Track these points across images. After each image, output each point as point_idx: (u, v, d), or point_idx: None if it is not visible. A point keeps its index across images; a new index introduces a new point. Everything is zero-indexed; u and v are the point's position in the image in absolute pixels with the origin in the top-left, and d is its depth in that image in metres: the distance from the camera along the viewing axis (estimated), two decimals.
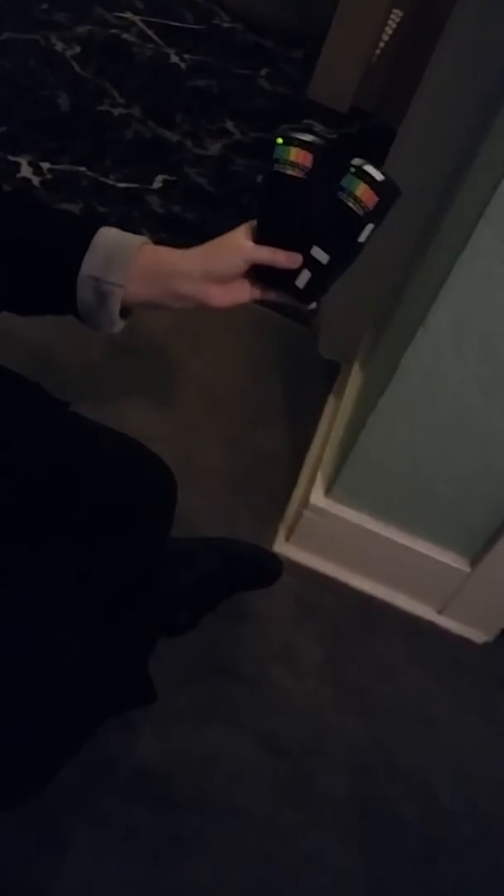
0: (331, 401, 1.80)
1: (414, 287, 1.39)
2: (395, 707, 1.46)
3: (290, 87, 2.64)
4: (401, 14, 2.50)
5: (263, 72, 2.67)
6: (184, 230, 2.10)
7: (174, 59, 2.61)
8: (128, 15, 2.71)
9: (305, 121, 2.54)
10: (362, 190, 0.82)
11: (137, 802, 1.26)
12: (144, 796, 1.27)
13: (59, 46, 2.51)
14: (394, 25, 2.52)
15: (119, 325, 0.87)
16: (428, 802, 1.38)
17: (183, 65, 2.60)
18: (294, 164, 0.82)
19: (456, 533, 1.46)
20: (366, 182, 0.82)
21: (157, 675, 1.29)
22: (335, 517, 1.49)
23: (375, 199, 0.82)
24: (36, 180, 2.11)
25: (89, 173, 2.17)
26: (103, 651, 0.95)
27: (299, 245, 0.86)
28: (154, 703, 1.31)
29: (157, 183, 2.21)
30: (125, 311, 0.87)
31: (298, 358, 1.91)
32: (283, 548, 1.58)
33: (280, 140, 0.83)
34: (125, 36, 2.63)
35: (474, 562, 1.48)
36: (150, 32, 2.67)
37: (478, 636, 1.59)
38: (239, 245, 0.86)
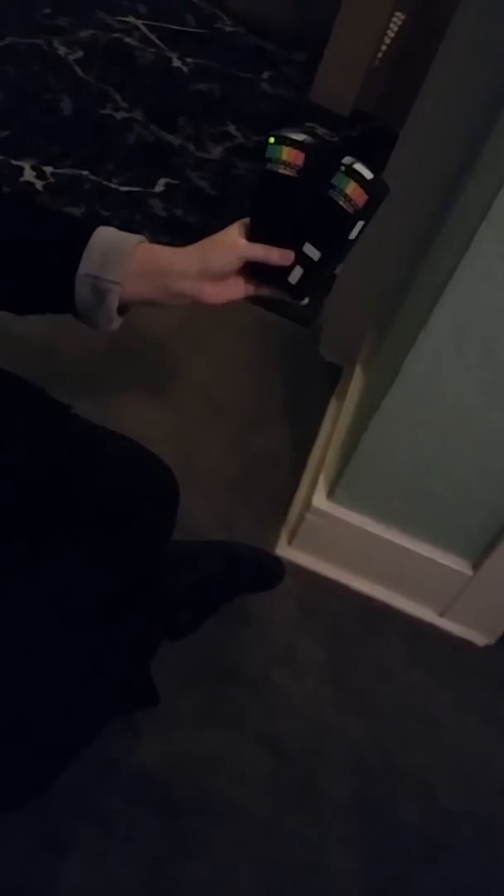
0: (332, 403, 1.80)
1: (416, 290, 1.39)
2: (396, 709, 1.46)
3: (293, 91, 2.65)
4: (403, 17, 2.50)
5: (265, 75, 2.68)
6: (186, 233, 2.10)
7: (176, 62, 2.62)
8: (130, 19, 2.72)
9: (308, 124, 2.54)
10: (352, 188, 0.83)
11: (139, 804, 1.26)
12: (146, 798, 1.27)
13: (62, 51, 2.52)
14: (396, 28, 2.52)
15: (116, 322, 0.88)
16: (428, 804, 1.38)
17: (185, 68, 2.61)
18: (286, 163, 0.84)
19: (458, 535, 1.46)
20: (356, 180, 0.83)
21: (158, 678, 1.29)
22: (337, 520, 1.49)
23: (365, 196, 0.83)
24: (39, 184, 2.11)
25: (92, 177, 2.17)
26: (105, 653, 0.95)
27: (291, 242, 0.87)
28: (156, 705, 1.31)
29: (159, 186, 2.21)
30: (122, 309, 0.88)
31: (300, 360, 1.92)
32: (285, 550, 1.58)
33: (272, 139, 0.84)
34: (128, 40, 2.64)
35: (476, 564, 1.48)
36: (152, 36, 2.68)
37: (479, 639, 1.58)
38: (233, 242, 0.87)
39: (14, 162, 2.14)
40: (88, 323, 0.89)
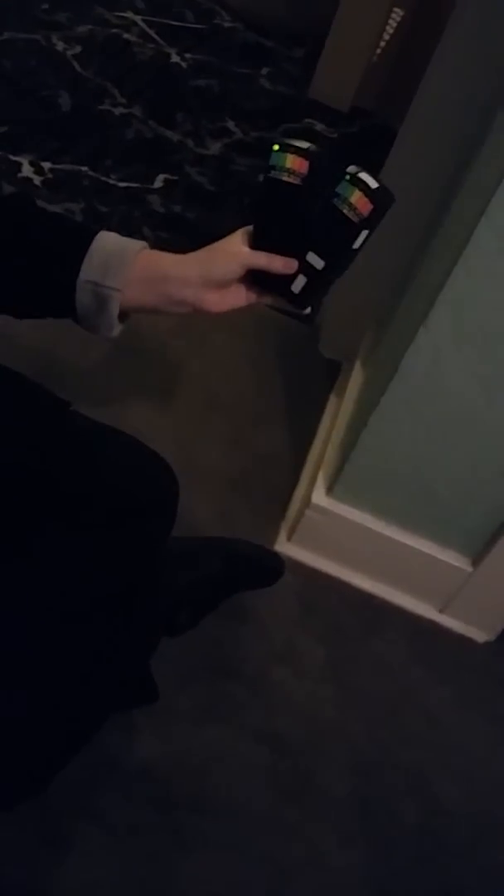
0: (332, 400, 1.80)
1: (415, 286, 1.39)
2: (395, 706, 1.46)
3: (291, 87, 2.64)
4: (402, 13, 2.49)
5: (264, 71, 2.67)
6: (185, 229, 2.10)
7: (175, 58, 2.61)
8: (129, 14, 2.71)
9: (306, 120, 2.54)
10: (357, 197, 0.83)
11: (138, 801, 1.26)
12: (145, 795, 1.27)
13: (60, 46, 2.51)
14: (395, 24, 2.52)
15: (117, 328, 0.88)
16: (428, 801, 1.38)
17: (184, 64, 2.60)
18: (290, 171, 0.84)
19: (457, 532, 1.46)
20: (360, 189, 0.83)
21: (158, 675, 1.29)
22: (337, 516, 1.49)
23: (370, 206, 0.83)
24: (37, 180, 2.11)
25: (90, 173, 2.17)
26: (105, 650, 0.95)
27: (295, 251, 0.87)
28: (155, 701, 1.31)
29: (158, 182, 2.21)
30: (123, 315, 0.88)
31: (300, 357, 1.91)
32: (285, 547, 1.58)
33: (276, 147, 0.84)
34: (126, 36, 2.63)
35: (476, 561, 1.48)
36: (151, 32, 2.68)
37: (479, 635, 1.58)
38: (235, 251, 0.87)
39: (12, 157, 2.14)
40: (89, 329, 0.88)
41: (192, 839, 1.25)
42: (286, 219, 0.86)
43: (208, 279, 0.86)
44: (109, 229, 0.87)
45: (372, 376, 1.57)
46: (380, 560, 1.54)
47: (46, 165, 2.14)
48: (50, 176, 2.12)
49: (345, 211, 0.83)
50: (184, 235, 2.08)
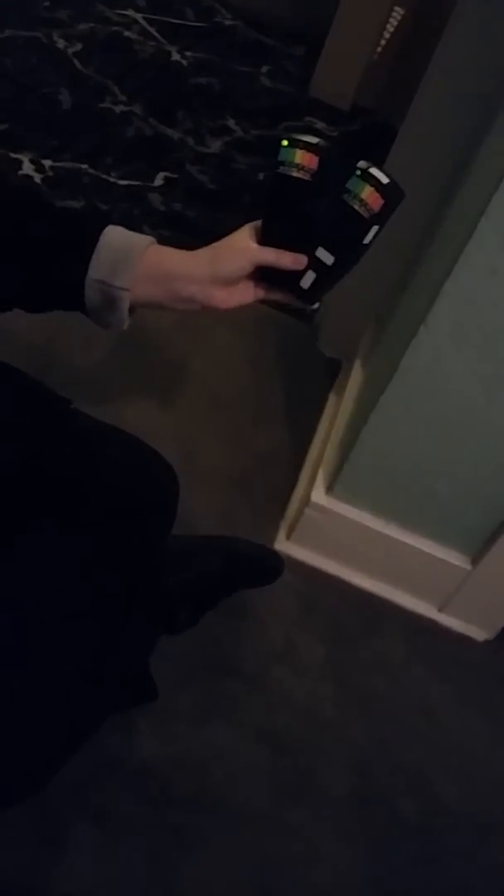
0: (332, 398, 1.80)
1: (415, 284, 1.39)
2: (395, 705, 1.46)
3: (292, 85, 2.64)
4: (402, 12, 2.49)
5: (265, 69, 2.67)
6: (185, 228, 2.10)
7: (176, 56, 2.61)
8: (129, 12, 2.71)
9: (307, 118, 2.54)
10: (368, 192, 0.82)
11: (137, 799, 1.26)
12: (144, 793, 1.27)
13: (61, 44, 2.51)
14: (395, 23, 2.51)
15: (126, 322, 0.88)
16: (428, 800, 1.38)
17: (184, 62, 2.60)
18: (300, 167, 0.83)
19: (457, 530, 1.46)
20: (371, 185, 0.82)
21: (157, 673, 1.29)
22: (336, 515, 1.49)
23: (381, 201, 0.83)
24: (38, 177, 2.10)
25: (91, 171, 2.17)
26: (104, 649, 0.95)
27: (304, 246, 0.86)
28: (155, 700, 1.31)
29: (158, 180, 2.21)
30: (130, 309, 0.88)
31: (299, 355, 1.91)
32: (284, 545, 1.58)
33: (285, 142, 0.83)
34: (127, 33, 2.63)
35: (475, 559, 1.48)
36: (151, 30, 2.67)
37: (479, 634, 1.58)
38: (244, 247, 0.86)
39: (13, 155, 2.13)
40: (98, 323, 0.88)
41: (192, 838, 1.25)
42: (296, 214, 0.86)
43: (216, 276, 0.86)
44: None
45: (372, 375, 1.57)
46: (379, 559, 1.54)
47: (47, 163, 2.14)
48: (50, 174, 2.12)
49: (355, 206, 0.83)
50: (184, 233, 2.07)
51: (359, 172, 0.83)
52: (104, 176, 2.17)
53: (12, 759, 0.89)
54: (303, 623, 1.51)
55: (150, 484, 0.99)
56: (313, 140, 0.83)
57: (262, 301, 0.91)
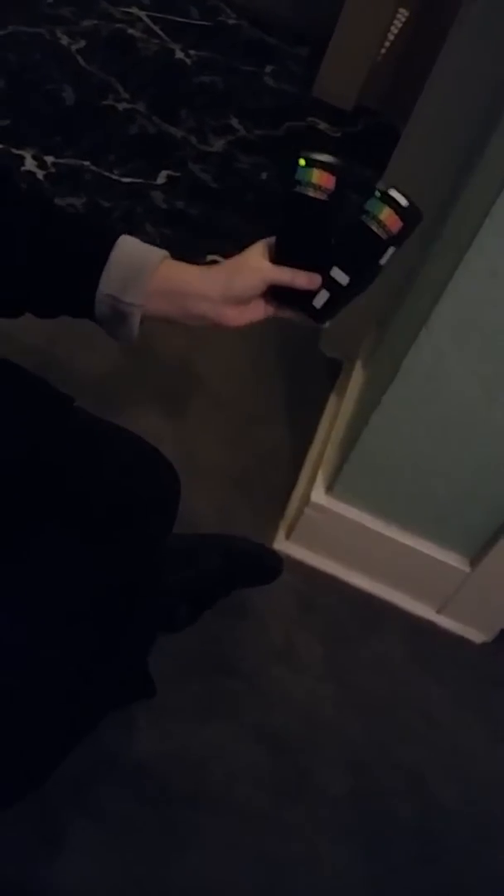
0: (332, 399, 1.80)
1: (417, 285, 1.39)
2: (393, 705, 1.47)
3: (295, 85, 2.64)
4: (406, 13, 2.49)
5: (268, 69, 2.67)
6: (187, 226, 2.10)
7: (179, 54, 2.61)
8: (133, 10, 2.71)
9: (310, 118, 2.54)
10: (387, 214, 0.82)
11: (135, 797, 1.26)
12: (142, 791, 1.27)
13: (65, 40, 2.51)
14: (399, 24, 2.51)
15: (136, 336, 0.87)
16: (425, 800, 1.38)
17: (188, 61, 2.60)
18: (316, 186, 0.82)
19: (456, 532, 1.46)
20: (391, 207, 0.82)
21: (156, 671, 1.29)
22: (336, 515, 1.49)
23: (400, 223, 0.82)
24: (40, 174, 2.10)
25: (93, 168, 2.16)
26: (104, 647, 0.95)
27: (319, 266, 0.85)
28: (153, 697, 1.31)
29: (160, 178, 2.21)
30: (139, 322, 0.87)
31: (301, 356, 1.91)
32: (284, 545, 1.58)
33: (302, 161, 0.82)
34: (131, 31, 2.63)
35: (474, 561, 1.48)
36: (155, 28, 2.67)
37: (476, 636, 1.59)
38: (258, 266, 0.85)
39: (15, 151, 2.13)
40: (109, 334, 0.88)
41: (190, 836, 1.25)
42: (312, 234, 0.85)
43: (229, 295, 0.85)
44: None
45: (373, 376, 1.57)
46: (378, 559, 1.54)
47: (49, 159, 2.14)
48: (52, 170, 2.12)
49: (373, 227, 0.82)
50: (186, 232, 2.07)
51: (378, 194, 0.82)
52: (106, 173, 2.16)
53: (11, 757, 0.89)
54: (302, 622, 1.51)
55: (151, 482, 0.99)
56: (330, 159, 0.82)
57: (278, 315, 0.90)
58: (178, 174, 2.23)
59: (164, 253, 0.85)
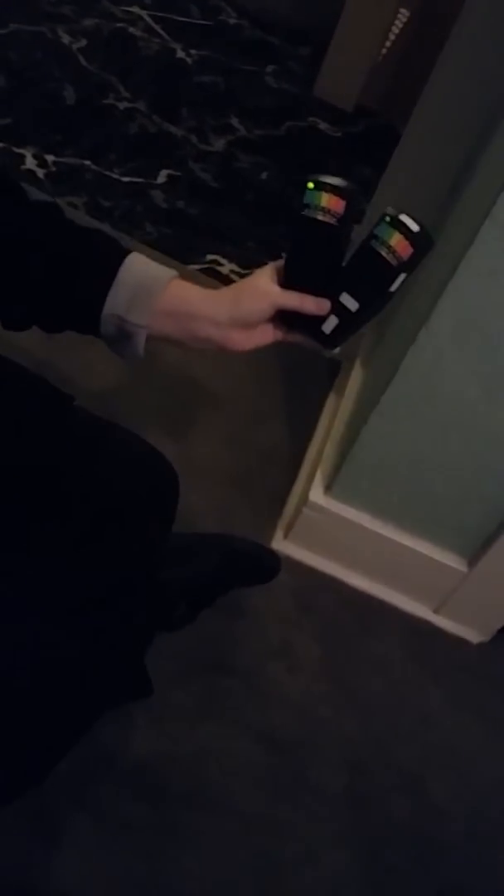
0: (331, 399, 1.80)
1: (416, 286, 1.39)
2: (390, 705, 1.47)
3: (296, 85, 2.64)
4: (407, 14, 2.50)
5: (269, 69, 2.67)
6: (187, 225, 2.10)
7: (180, 54, 2.61)
8: (135, 9, 2.71)
9: (310, 118, 2.54)
10: (397, 240, 0.80)
11: (133, 796, 1.26)
12: (140, 790, 1.27)
13: (66, 39, 2.51)
14: (400, 25, 2.52)
15: (141, 355, 0.87)
16: (421, 800, 1.38)
17: (189, 60, 2.60)
18: (325, 210, 0.81)
19: (454, 532, 1.46)
20: (401, 232, 0.80)
21: (153, 670, 1.29)
22: (334, 515, 1.49)
23: (410, 249, 0.80)
24: (40, 172, 2.10)
25: (94, 167, 2.17)
26: (101, 645, 0.95)
27: (328, 291, 0.84)
28: (150, 696, 1.31)
29: (161, 178, 2.21)
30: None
31: (300, 355, 1.91)
32: (282, 545, 1.58)
33: (311, 185, 0.80)
34: (132, 30, 2.63)
35: (472, 562, 1.48)
36: (156, 27, 2.67)
37: (474, 636, 1.59)
38: (266, 290, 0.84)
39: (15, 149, 2.13)
40: (114, 352, 0.87)
41: (186, 835, 1.25)
42: (321, 259, 0.83)
43: (237, 320, 0.83)
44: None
45: (372, 375, 1.57)
46: (376, 559, 1.54)
47: (50, 158, 2.14)
48: (53, 169, 2.12)
49: (383, 253, 0.80)
50: (186, 231, 2.07)
51: (388, 219, 0.80)
52: (107, 172, 2.17)
53: (9, 755, 0.89)
54: (299, 622, 1.51)
55: (150, 481, 0.99)
56: (340, 183, 0.80)
57: (286, 339, 0.89)
58: (178, 173, 2.23)
59: (172, 273, 0.84)
